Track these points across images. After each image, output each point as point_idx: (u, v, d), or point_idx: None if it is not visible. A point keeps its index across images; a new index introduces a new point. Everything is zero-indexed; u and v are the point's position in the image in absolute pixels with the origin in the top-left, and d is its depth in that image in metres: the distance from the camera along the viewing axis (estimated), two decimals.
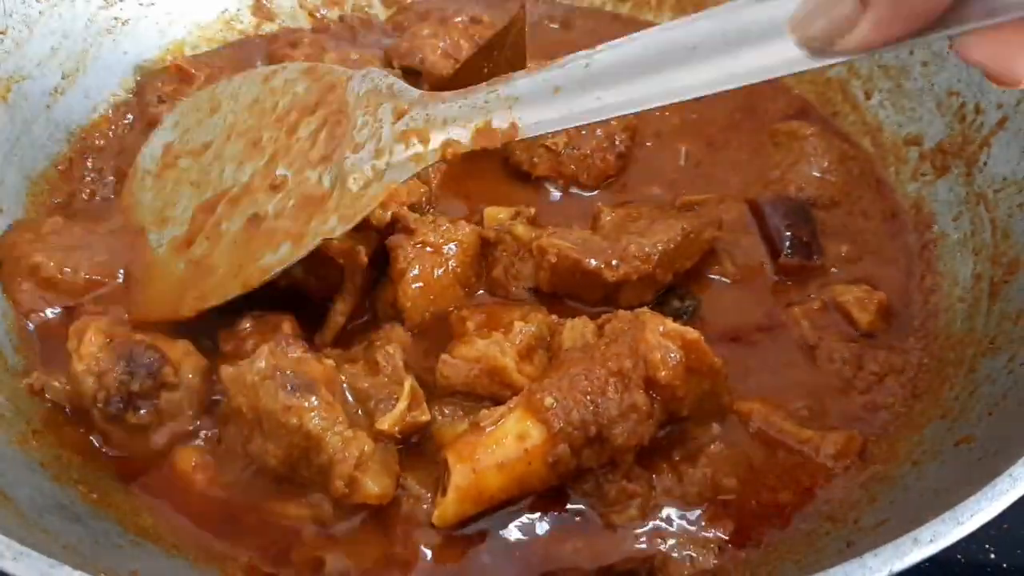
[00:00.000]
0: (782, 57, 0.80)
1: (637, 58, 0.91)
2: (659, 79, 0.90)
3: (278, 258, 1.08)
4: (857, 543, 0.93)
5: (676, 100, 0.90)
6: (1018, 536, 1.18)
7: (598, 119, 0.97)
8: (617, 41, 0.93)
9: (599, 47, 0.94)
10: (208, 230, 1.15)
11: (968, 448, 0.98)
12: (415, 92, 1.07)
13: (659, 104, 0.91)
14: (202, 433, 1.09)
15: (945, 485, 0.93)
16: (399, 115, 1.06)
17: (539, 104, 0.98)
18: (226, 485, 1.05)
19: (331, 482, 0.98)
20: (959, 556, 1.16)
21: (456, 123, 1.03)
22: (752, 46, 0.82)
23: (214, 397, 1.11)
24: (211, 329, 1.14)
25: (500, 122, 1.00)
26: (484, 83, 1.02)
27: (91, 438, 1.08)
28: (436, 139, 1.04)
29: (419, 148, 1.04)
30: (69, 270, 1.19)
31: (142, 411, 1.06)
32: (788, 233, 1.29)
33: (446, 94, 1.04)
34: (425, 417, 1.04)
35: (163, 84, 1.48)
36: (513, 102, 0.99)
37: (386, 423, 1.01)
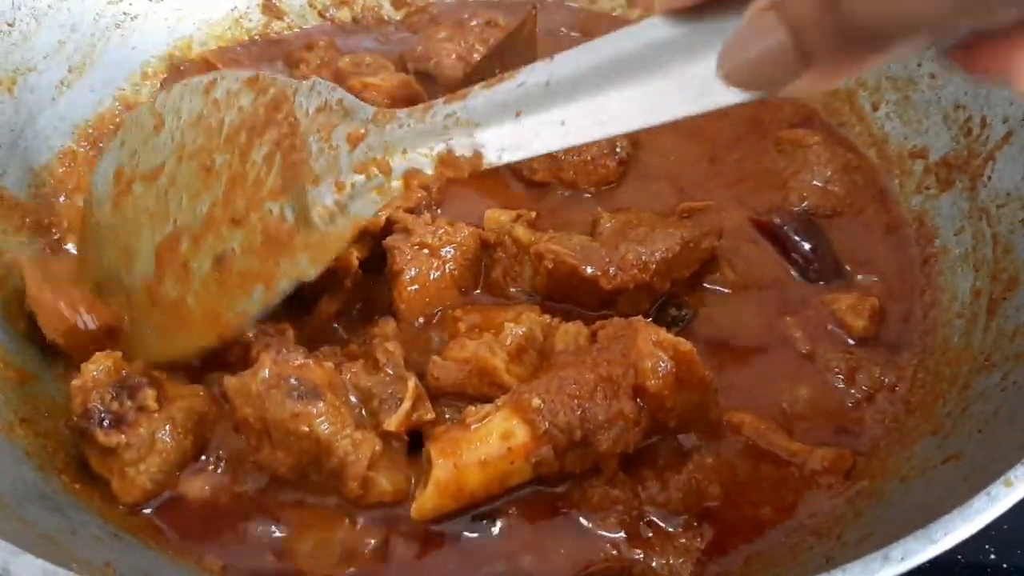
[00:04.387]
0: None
1: (598, 67, 0.84)
2: (629, 92, 0.82)
3: (252, 304, 1.05)
4: (836, 558, 0.91)
5: (655, 121, 0.81)
6: (1018, 536, 1.16)
7: (566, 145, 0.88)
8: (575, 49, 0.86)
9: (557, 56, 0.86)
10: (176, 269, 1.10)
11: (956, 466, 0.97)
12: (368, 110, 0.99)
13: (636, 127, 0.83)
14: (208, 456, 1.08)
15: (930, 502, 0.91)
16: (355, 141, 0.99)
17: (502, 129, 0.90)
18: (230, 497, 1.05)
19: (345, 484, 0.99)
20: (959, 556, 1.15)
21: (417, 150, 0.95)
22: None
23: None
24: None
25: (463, 150, 0.93)
26: (441, 99, 0.95)
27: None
28: (398, 169, 0.97)
29: (381, 180, 0.98)
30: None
31: (108, 426, 1.02)
32: (814, 256, 1.28)
33: (401, 112, 0.97)
34: (430, 416, 1.04)
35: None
36: (474, 127, 0.91)
37: (393, 424, 1.01)
